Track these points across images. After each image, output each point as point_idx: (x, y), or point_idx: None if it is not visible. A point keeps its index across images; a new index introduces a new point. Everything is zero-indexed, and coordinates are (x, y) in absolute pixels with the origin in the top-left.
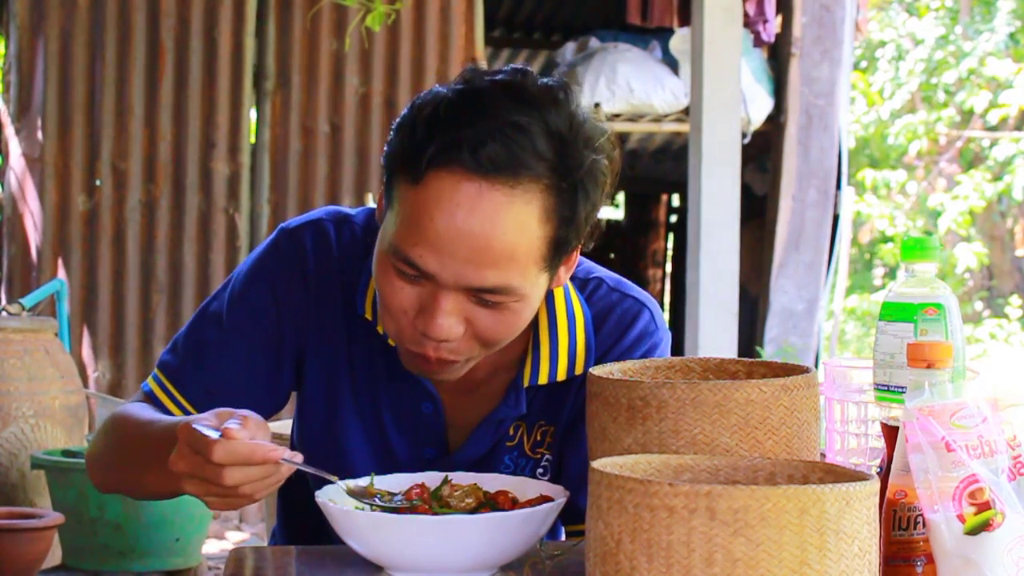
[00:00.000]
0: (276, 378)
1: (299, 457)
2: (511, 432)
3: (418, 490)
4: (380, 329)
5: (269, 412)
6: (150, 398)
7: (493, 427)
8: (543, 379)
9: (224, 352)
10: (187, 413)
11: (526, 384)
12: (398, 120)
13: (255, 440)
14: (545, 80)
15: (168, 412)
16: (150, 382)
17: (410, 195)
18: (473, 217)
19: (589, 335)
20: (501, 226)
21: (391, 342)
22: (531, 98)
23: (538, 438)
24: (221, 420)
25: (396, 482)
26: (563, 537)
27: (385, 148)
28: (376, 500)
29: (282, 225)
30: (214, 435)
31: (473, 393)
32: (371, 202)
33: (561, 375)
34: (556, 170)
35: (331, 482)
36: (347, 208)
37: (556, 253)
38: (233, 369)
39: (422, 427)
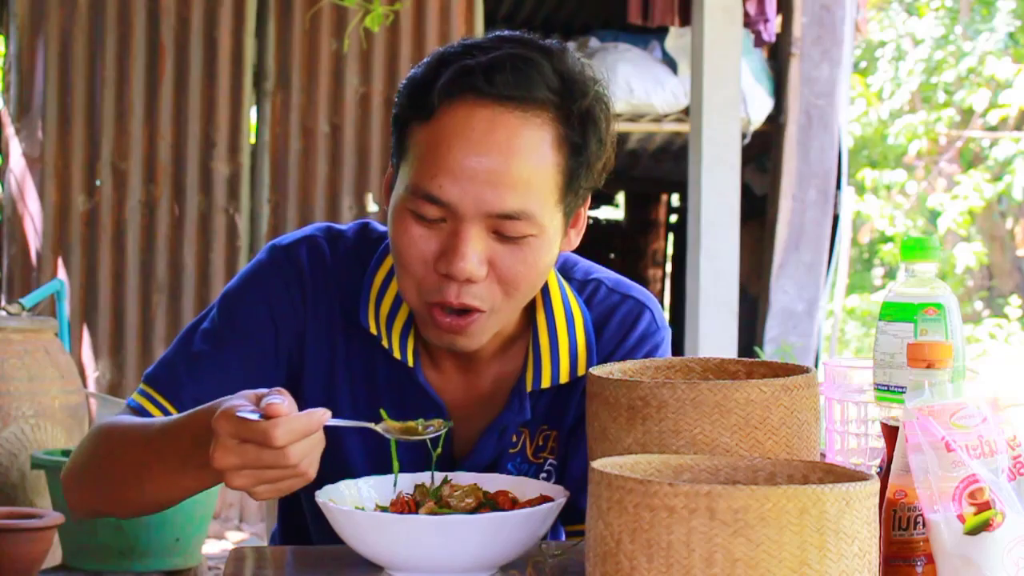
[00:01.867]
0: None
1: (328, 414)
2: (514, 439)
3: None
4: (385, 343)
5: None
6: (138, 412)
7: (497, 434)
8: (546, 382)
9: (220, 366)
10: None
11: (529, 388)
12: (404, 82)
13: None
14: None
15: None
16: (137, 397)
17: (424, 132)
18: (489, 140)
19: (589, 336)
20: (517, 149)
21: (392, 344)
22: (533, 44)
23: (540, 443)
24: (257, 399)
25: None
26: (563, 537)
27: (394, 111)
28: (427, 431)
29: (273, 242)
30: (258, 418)
31: (478, 401)
32: (371, 202)
33: (564, 377)
34: (564, 98)
35: (370, 428)
36: (337, 224)
37: (569, 188)
38: (229, 383)
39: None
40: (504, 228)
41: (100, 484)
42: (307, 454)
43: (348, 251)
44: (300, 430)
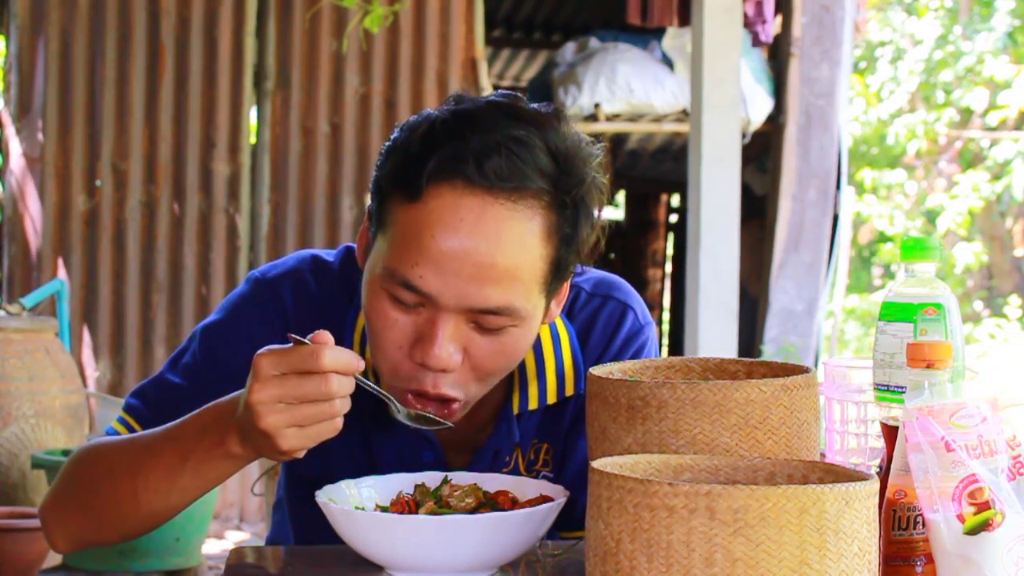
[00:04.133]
0: None
1: (363, 363)
2: (507, 459)
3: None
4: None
5: None
6: None
7: (490, 457)
8: (533, 404)
9: (197, 401)
10: None
11: (516, 411)
12: (388, 144)
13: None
14: (535, 104)
15: None
16: (116, 426)
17: (408, 213)
18: (477, 233)
19: (576, 353)
20: (505, 242)
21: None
22: (527, 116)
23: (532, 457)
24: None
25: (396, 482)
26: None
27: (375, 173)
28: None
29: (255, 275)
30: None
31: (468, 428)
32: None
33: (551, 398)
34: (557, 186)
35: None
36: (321, 251)
37: (556, 276)
38: None
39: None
40: (484, 321)
41: (91, 505)
42: (345, 392)
43: (335, 282)
44: (345, 360)
